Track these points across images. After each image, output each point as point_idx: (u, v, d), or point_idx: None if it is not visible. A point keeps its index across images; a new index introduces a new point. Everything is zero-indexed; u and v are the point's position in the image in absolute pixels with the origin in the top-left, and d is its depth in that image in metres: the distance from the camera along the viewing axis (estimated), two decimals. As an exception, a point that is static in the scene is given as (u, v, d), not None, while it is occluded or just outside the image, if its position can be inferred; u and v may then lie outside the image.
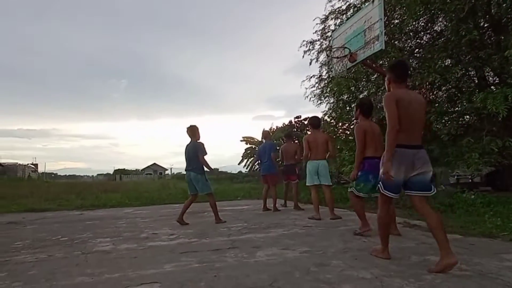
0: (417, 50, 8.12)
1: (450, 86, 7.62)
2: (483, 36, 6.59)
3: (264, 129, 6.81)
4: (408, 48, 8.06)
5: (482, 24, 7.14)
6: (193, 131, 5.03)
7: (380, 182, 2.64)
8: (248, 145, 26.03)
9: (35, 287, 2.17)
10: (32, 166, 57.33)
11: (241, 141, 26.37)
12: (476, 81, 7.63)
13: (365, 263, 2.58)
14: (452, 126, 6.76)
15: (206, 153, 4.94)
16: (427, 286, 2.07)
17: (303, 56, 9.91)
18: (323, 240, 3.48)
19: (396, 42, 7.91)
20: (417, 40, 8.12)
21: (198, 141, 5.01)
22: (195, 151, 4.89)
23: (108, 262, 2.78)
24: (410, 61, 7.81)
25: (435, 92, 8.19)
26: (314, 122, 5.28)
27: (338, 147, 9.48)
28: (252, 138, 22.36)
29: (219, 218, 4.95)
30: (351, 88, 9.00)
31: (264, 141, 6.81)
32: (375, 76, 8.70)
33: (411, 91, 2.86)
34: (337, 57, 5.88)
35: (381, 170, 2.60)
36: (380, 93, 8.87)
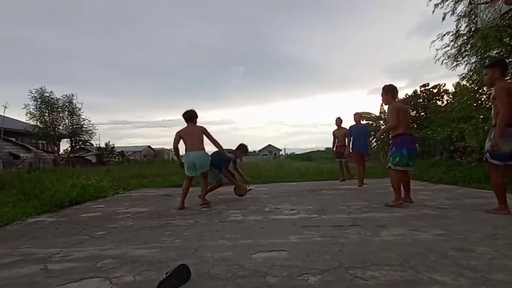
0: None
1: None
2: None
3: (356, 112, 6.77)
4: None
5: None
6: None
7: (487, 153, 3.39)
8: (365, 121, 24.32)
9: (190, 244, 2.69)
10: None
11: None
12: None
13: (526, 253, 2.12)
14: None
15: None
16: None
17: (433, 11, 8.35)
18: (463, 224, 3.02)
19: None
20: None
21: None
22: None
23: (241, 230, 3.17)
24: None
25: None
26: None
27: (482, 116, 7.84)
28: (369, 114, 20.59)
29: None
30: (504, 39, 7.07)
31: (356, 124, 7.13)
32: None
33: None
34: (486, 2, 4.71)
35: (488, 144, 3.36)
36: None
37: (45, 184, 6.66)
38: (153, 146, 59.48)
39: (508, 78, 8.13)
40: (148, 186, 9.13)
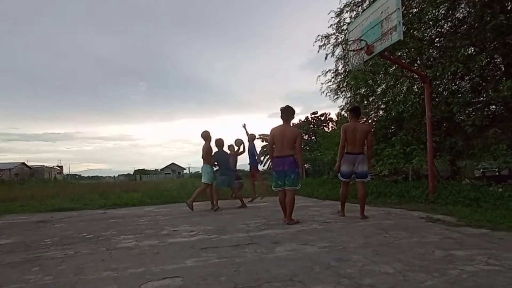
0: (437, 39, 7.85)
1: (473, 75, 7.32)
2: (510, 21, 6.24)
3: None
4: (427, 37, 7.80)
5: (509, 7, 6.79)
6: None
7: (339, 173, 4.63)
8: (265, 143, 26.07)
9: (65, 281, 2.27)
10: (58, 168, 59.73)
11: (257, 138, 26.43)
12: (503, 69, 7.29)
13: (387, 257, 2.54)
14: (477, 117, 6.50)
15: None
16: (452, 280, 2.00)
17: (318, 51, 9.85)
18: (343, 235, 3.44)
19: (415, 32, 7.68)
20: (438, 29, 7.85)
21: None
22: None
23: (132, 257, 2.86)
24: (431, 51, 7.55)
25: (457, 83, 7.90)
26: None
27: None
28: (268, 136, 22.42)
29: None
30: (369, 81, 8.85)
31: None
32: (393, 68, 8.49)
33: (358, 123, 4.56)
34: (354, 50, 5.76)
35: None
36: (398, 85, 8.65)
37: None
38: (29, 163, 49.92)
39: (370, 112, 9.98)
40: (17, 211, 7.49)
